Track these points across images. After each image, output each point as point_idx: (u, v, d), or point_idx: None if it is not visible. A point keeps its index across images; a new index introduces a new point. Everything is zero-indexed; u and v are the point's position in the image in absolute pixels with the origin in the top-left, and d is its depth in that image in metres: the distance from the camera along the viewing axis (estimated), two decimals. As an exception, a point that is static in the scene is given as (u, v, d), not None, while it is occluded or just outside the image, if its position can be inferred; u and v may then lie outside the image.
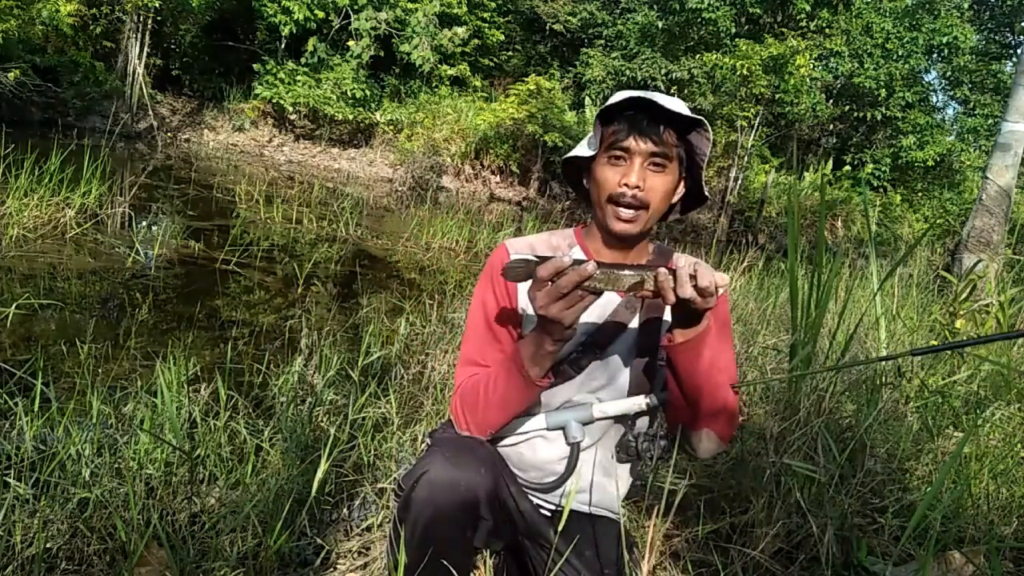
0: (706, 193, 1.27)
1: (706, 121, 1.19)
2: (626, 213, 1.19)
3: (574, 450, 1.23)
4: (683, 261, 1.29)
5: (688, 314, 1.07)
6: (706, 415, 1.17)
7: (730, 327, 1.33)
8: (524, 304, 1.25)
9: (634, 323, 1.24)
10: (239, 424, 1.82)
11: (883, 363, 2.50)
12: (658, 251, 1.32)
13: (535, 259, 1.04)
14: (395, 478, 1.74)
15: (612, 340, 1.23)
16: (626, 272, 1.03)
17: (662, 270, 1.02)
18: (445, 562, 1.12)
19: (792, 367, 2.02)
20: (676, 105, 1.16)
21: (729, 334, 1.31)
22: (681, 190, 1.26)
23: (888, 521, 1.64)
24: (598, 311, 1.25)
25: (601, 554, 1.24)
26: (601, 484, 1.30)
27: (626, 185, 1.16)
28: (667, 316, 1.23)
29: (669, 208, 1.27)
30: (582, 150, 1.24)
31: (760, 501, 1.61)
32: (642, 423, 1.28)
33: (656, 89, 12.50)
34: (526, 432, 1.27)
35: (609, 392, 1.25)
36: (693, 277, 1.01)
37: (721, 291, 1.06)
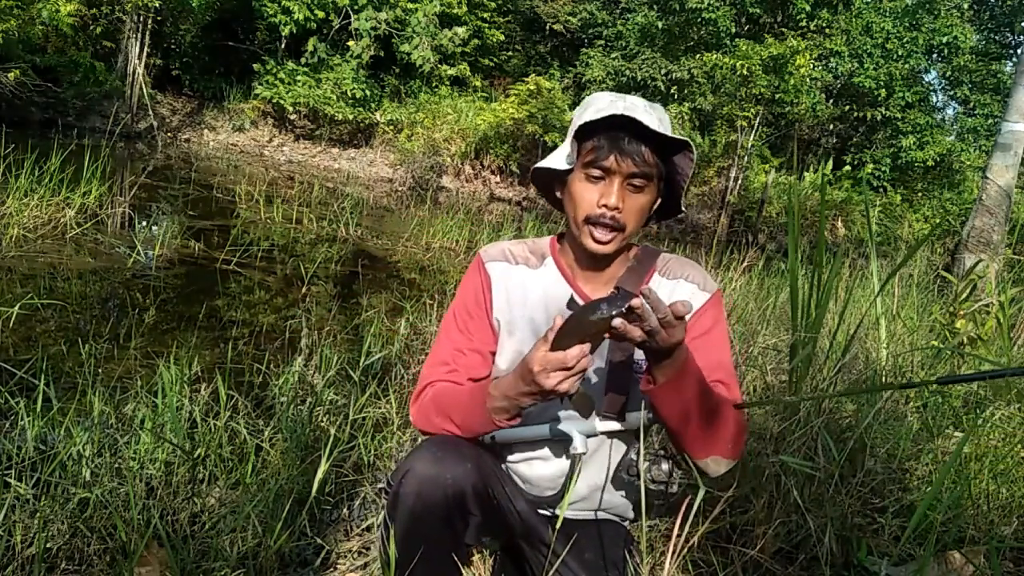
0: (683, 207, 1.22)
1: (692, 143, 1.13)
2: (602, 235, 1.13)
3: (575, 462, 1.18)
4: (666, 262, 1.26)
5: (657, 352, 1.01)
6: (708, 443, 1.11)
7: (724, 331, 1.25)
8: (498, 315, 1.25)
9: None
10: (239, 424, 1.82)
11: (883, 363, 2.51)
12: (642, 255, 1.26)
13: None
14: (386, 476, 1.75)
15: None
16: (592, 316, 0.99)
17: (617, 321, 0.96)
18: (435, 557, 1.12)
19: (792, 367, 2.02)
20: (658, 122, 1.11)
21: (722, 337, 1.23)
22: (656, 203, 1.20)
23: (888, 521, 1.64)
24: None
25: (603, 556, 1.23)
26: (607, 494, 1.28)
27: (605, 206, 1.11)
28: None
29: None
30: (556, 161, 1.19)
31: (760, 501, 1.61)
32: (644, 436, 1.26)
33: (656, 90, 12.52)
34: (528, 441, 1.25)
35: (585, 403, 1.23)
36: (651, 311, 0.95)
37: (688, 318, 1.03)
